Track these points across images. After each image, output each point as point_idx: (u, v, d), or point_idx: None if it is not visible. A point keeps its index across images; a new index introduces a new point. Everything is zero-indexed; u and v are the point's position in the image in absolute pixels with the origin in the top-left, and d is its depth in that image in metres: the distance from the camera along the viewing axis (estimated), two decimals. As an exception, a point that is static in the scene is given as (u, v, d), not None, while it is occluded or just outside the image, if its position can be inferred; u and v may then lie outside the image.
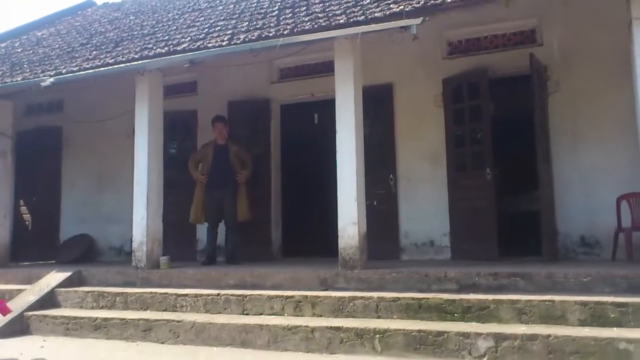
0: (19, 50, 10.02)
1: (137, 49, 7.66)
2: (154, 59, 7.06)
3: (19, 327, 5.96)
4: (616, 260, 6.05)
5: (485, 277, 5.15)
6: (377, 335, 4.53)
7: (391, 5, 6.15)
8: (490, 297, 4.71)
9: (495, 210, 6.76)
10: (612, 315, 4.26)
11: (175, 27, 8.37)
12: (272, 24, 6.97)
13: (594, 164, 6.60)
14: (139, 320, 5.50)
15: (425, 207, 7.33)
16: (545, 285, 4.92)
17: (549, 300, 4.48)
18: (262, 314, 5.37)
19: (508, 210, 7.50)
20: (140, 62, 7.05)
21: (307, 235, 8.69)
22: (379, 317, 4.95)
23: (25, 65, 8.74)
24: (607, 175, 6.48)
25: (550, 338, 4.04)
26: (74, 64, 7.87)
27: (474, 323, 4.57)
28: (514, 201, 7.81)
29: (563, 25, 6.86)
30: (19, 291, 6.66)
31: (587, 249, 6.55)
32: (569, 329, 4.21)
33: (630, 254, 5.88)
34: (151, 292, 6.02)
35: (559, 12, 6.83)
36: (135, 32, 8.74)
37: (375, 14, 6.06)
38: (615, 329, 4.16)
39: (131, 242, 7.13)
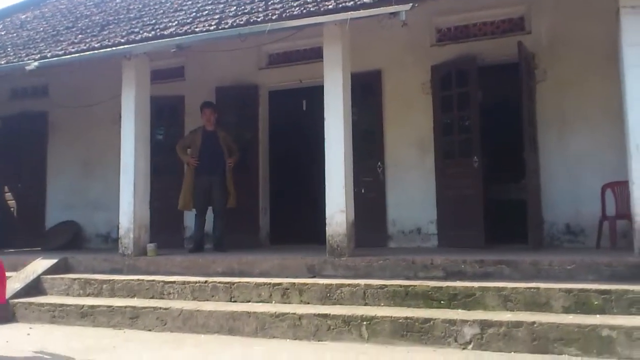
0: (3, 33, 9.82)
1: (124, 33, 7.54)
2: (140, 44, 6.95)
3: (5, 315, 5.91)
4: (600, 248, 6.13)
5: (471, 264, 5.19)
6: (364, 322, 4.56)
7: (380, -9, 6.10)
8: (476, 284, 4.76)
9: (482, 198, 6.79)
10: (595, 303, 4.32)
11: (162, 10, 8.24)
12: (260, 9, 6.89)
13: (581, 153, 6.65)
14: (126, 307, 5.48)
15: (413, 195, 7.35)
16: (530, 273, 4.98)
17: (534, 288, 4.53)
18: (249, 302, 5.39)
19: (495, 198, 7.54)
20: (126, 46, 6.95)
21: (295, 222, 8.69)
22: (366, 305, 4.98)
23: (9, 49, 8.58)
24: (593, 164, 6.54)
25: (535, 325, 4.09)
26: (59, 47, 7.74)
27: (460, 310, 4.62)
28: (500, 189, 7.86)
29: (551, 13, 6.87)
30: (5, 278, 6.60)
31: (572, 237, 6.63)
32: (554, 316, 4.27)
33: (614, 242, 5.95)
34: (138, 280, 6.00)
35: (548, 0, 6.83)
36: (122, 16, 8.60)
37: (365, 0, 6.01)
38: (598, 316, 4.22)
39: (118, 229, 7.09)
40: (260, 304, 5.30)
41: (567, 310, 4.37)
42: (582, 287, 4.42)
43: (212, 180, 7.36)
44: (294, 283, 5.33)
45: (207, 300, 5.56)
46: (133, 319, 5.41)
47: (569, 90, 6.72)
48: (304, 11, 6.28)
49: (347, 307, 4.96)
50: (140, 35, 7.21)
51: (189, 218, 8.23)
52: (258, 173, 8.28)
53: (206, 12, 7.45)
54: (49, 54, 7.55)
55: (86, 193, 9.36)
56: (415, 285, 4.92)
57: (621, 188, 5.96)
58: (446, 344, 4.30)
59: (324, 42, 6.21)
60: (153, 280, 5.91)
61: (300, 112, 8.98)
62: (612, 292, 4.31)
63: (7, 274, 6.73)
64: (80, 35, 8.11)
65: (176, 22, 7.34)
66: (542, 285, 4.56)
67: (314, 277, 5.60)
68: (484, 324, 4.23)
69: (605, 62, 6.28)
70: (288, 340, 4.73)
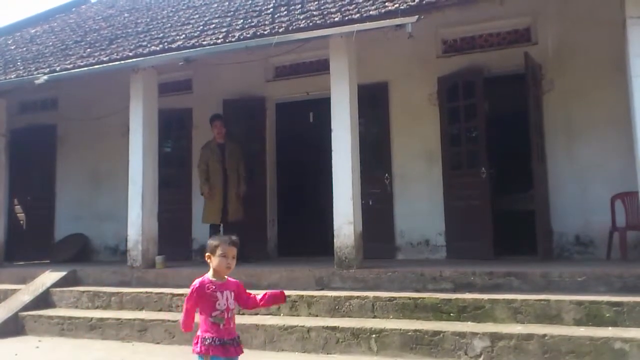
0: (13, 47, 9.95)
1: (132, 47, 7.61)
2: (148, 57, 7.03)
3: (14, 328, 5.93)
4: (611, 259, 6.08)
5: (480, 276, 5.16)
6: (373, 335, 4.53)
7: (386, 4, 6.14)
8: (485, 296, 4.73)
9: (490, 209, 6.77)
10: (607, 315, 4.29)
11: (169, 24, 8.32)
12: (267, 22, 6.95)
13: (589, 163, 6.61)
14: (134, 320, 5.49)
15: (421, 206, 7.33)
16: (540, 285, 4.94)
17: (544, 300, 4.51)
18: (257, 314, 5.35)
19: (503, 209, 7.51)
20: (134, 59, 7.02)
21: (302, 234, 8.67)
22: (375, 317, 4.96)
23: (18, 63, 8.68)
24: (602, 174, 6.50)
25: (546, 338, 4.06)
26: (68, 61, 7.82)
27: (469, 323, 4.59)
28: (509, 200, 7.81)
29: (557, 23, 6.88)
30: (14, 291, 6.63)
31: (581, 248, 6.57)
32: (565, 329, 4.24)
33: (625, 253, 5.90)
34: (147, 292, 6.00)
35: (554, 11, 6.85)
36: (130, 30, 8.69)
37: (371, 12, 6.04)
38: (610, 328, 4.18)
39: (126, 241, 7.10)
40: (269, 316, 5.28)
41: (578, 323, 4.33)
42: (594, 299, 4.39)
43: (227, 193, 7.38)
44: (302, 295, 5.31)
45: (216, 312, 5.54)
46: (141, 331, 5.41)
47: (577, 100, 6.70)
48: (311, 24, 6.33)
49: (355, 319, 4.94)
50: (148, 49, 7.28)
51: (197, 230, 8.23)
52: (266, 185, 8.28)
53: (213, 25, 7.51)
54: (58, 68, 7.63)
55: (95, 205, 9.40)
56: (425, 298, 4.90)
57: (631, 199, 5.93)
58: (456, 357, 4.27)
59: (330, 55, 6.24)
60: (161, 293, 5.91)
61: (308, 124, 9.00)
62: (624, 304, 4.27)
63: (16, 286, 6.80)
64: (89, 49, 8.20)
65: (184, 36, 7.41)
66: (552, 297, 4.54)
67: (322, 289, 5.58)
68: (494, 337, 4.20)
69: (612, 72, 6.27)
70: (297, 353, 4.71)
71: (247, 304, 3.08)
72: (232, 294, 2.94)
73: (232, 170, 7.51)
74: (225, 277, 2.98)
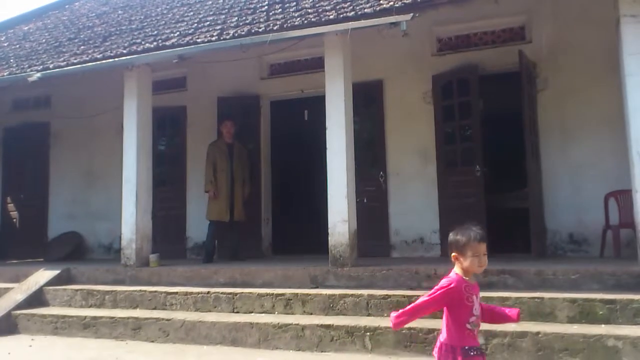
0: (5, 44, 9.88)
1: (126, 44, 7.57)
2: (142, 54, 6.98)
3: (6, 326, 5.90)
4: (604, 257, 6.11)
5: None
6: (368, 333, 4.53)
7: (381, 1, 6.12)
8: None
9: (484, 207, 6.78)
10: (600, 312, 4.30)
11: (164, 21, 8.28)
12: (261, 19, 6.93)
13: (583, 161, 6.64)
14: (128, 318, 5.47)
15: (415, 204, 7.34)
16: (534, 283, 4.95)
17: (538, 297, 4.51)
18: (252, 312, 5.37)
19: (497, 207, 7.52)
20: (128, 57, 6.98)
21: (297, 232, 8.67)
22: (369, 315, 4.96)
23: (11, 60, 8.62)
24: (596, 172, 6.53)
25: (540, 335, 4.07)
26: (62, 58, 7.77)
27: (463, 320, 4.58)
28: (503, 198, 7.83)
29: (552, 22, 6.90)
30: (7, 290, 6.59)
31: (575, 246, 6.60)
32: (558, 326, 4.25)
33: (618, 251, 5.93)
34: (140, 290, 5.98)
35: (548, 9, 6.87)
36: (124, 27, 8.65)
37: (365, 10, 6.03)
38: (603, 325, 4.20)
39: (120, 239, 7.08)
40: (263, 314, 5.28)
41: (571, 320, 4.35)
42: (587, 297, 4.40)
43: (233, 192, 7.39)
44: (297, 293, 5.30)
45: (210, 311, 5.54)
46: (135, 330, 5.39)
47: (571, 98, 6.73)
48: (305, 21, 6.31)
49: (350, 317, 4.94)
50: (142, 46, 7.24)
51: (192, 228, 8.22)
52: (260, 183, 8.26)
53: (208, 23, 7.48)
54: (51, 65, 7.57)
55: (88, 203, 9.37)
56: (419, 296, 4.88)
57: (624, 197, 5.94)
58: (450, 355, 4.26)
59: (325, 52, 6.23)
60: (155, 291, 5.90)
61: (302, 122, 8.99)
62: (617, 302, 4.29)
63: (9, 285, 6.77)
64: (82, 47, 8.15)
65: (178, 33, 7.37)
66: (546, 295, 4.54)
67: (316, 287, 5.58)
68: (488, 334, 4.20)
69: (606, 71, 6.29)
70: (291, 351, 4.71)
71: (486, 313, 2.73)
72: (479, 297, 2.64)
73: (238, 171, 7.52)
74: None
